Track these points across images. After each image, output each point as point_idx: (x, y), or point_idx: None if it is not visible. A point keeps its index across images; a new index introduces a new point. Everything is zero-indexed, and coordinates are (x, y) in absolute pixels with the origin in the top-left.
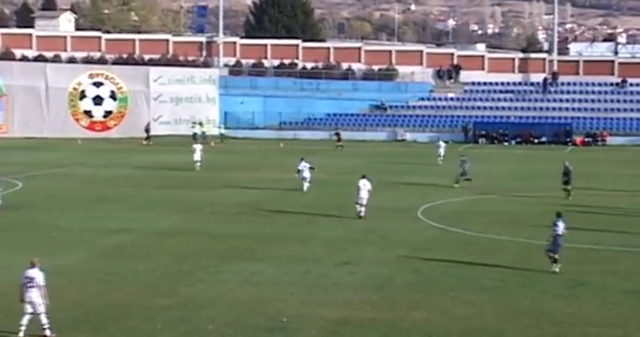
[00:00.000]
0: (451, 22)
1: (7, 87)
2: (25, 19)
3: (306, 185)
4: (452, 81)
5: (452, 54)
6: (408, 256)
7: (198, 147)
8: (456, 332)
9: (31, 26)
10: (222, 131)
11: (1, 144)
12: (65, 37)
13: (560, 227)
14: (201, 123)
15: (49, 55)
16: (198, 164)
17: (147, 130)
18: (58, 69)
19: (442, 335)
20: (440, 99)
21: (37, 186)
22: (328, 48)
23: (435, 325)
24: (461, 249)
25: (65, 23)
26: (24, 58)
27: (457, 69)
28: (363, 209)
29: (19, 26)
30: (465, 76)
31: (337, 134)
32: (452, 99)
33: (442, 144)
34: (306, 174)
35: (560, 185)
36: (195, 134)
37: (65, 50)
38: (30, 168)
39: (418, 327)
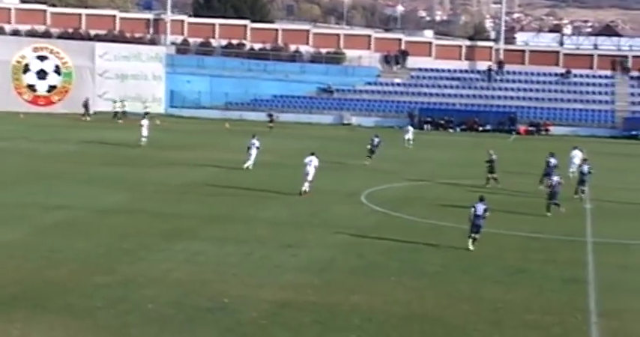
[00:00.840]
0: (400, 8)
1: None
2: None
3: (248, 162)
4: (399, 66)
5: (400, 39)
6: (351, 240)
7: (145, 122)
8: (396, 317)
9: None
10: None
11: None
12: (9, 9)
13: (479, 209)
14: (122, 101)
15: None
16: (144, 140)
17: (85, 106)
18: (1, 41)
19: (382, 320)
20: (387, 84)
21: None
22: (277, 29)
23: (375, 310)
24: (403, 234)
25: None
26: None
27: (404, 55)
28: (306, 184)
29: None
30: (412, 62)
31: (270, 115)
32: (398, 84)
33: (410, 128)
34: (253, 151)
35: (485, 173)
36: (116, 113)
37: (9, 22)
38: None
39: (358, 311)
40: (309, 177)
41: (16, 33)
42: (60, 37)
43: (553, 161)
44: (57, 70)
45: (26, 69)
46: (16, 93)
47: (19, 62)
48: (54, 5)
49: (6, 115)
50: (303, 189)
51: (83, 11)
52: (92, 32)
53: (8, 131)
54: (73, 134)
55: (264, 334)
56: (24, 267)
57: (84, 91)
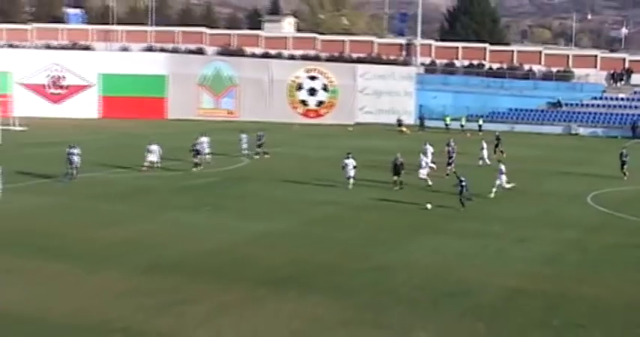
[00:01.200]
0: (624, 30)
1: (239, 79)
2: (254, 22)
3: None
4: (623, 83)
5: (624, 59)
6: (578, 236)
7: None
8: (621, 305)
9: (260, 28)
10: (463, 123)
11: (232, 126)
12: (287, 38)
13: None
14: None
15: (273, 52)
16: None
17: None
18: (280, 64)
19: (607, 307)
20: (611, 98)
21: (258, 162)
22: (512, 51)
23: (600, 299)
24: (628, 234)
25: (287, 26)
26: (253, 55)
27: (628, 72)
28: (351, 181)
29: (249, 28)
30: (636, 78)
31: (399, 120)
32: (622, 99)
33: (484, 144)
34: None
35: None
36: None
37: (286, 49)
38: (254, 147)
39: (585, 300)
40: (351, 174)
41: (292, 57)
42: (327, 60)
43: None
44: (325, 88)
45: (299, 87)
46: (291, 107)
47: (293, 81)
48: (323, 33)
49: (282, 126)
50: (349, 186)
51: (346, 38)
52: (354, 55)
53: (284, 139)
54: (338, 142)
55: (499, 316)
56: (296, 252)
57: (347, 106)
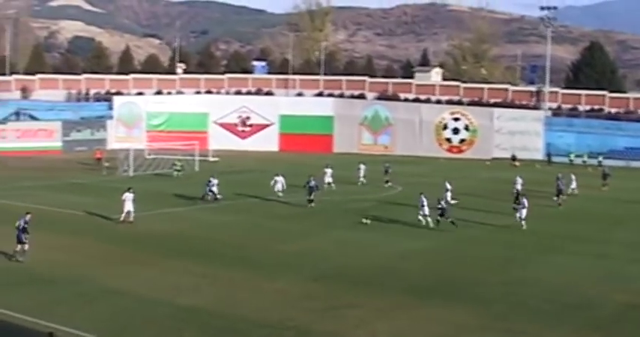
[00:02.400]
0: None
1: (394, 120)
2: (407, 72)
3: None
4: None
5: None
6: None
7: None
8: None
9: (412, 77)
10: (585, 159)
11: (388, 158)
12: (434, 85)
13: None
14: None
15: (422, 97)
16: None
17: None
18: (428, 107)
19: None
20: None
21: (408, 190)
22: (628, 98)
23: None
24: None
25: (435, 75)
26: (406, 100)
27: None
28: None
29: (403, 77)
30: None
31: (513, 155)
32: None
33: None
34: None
35: None
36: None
37: (434, 94)
38: (407, 177)
39: None
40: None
41: (438, 102)
42: (469, 104)
43: None
44: (466, 128)
45: (445, 127)
46: (437, 144)
47: (440, 122)
48: (465, 82)
49: (429, 160)
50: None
51: (485, 86)
52: (491, 100)
53: (432, 170)
54: (477, 174)
55: (616, 327)
56: (441, 266)
57: (485, 143)
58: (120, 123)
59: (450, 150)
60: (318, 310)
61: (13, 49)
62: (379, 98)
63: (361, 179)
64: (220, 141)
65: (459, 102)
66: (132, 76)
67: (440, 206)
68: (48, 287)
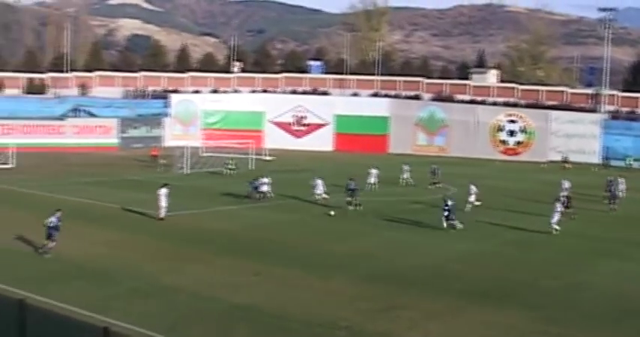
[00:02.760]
0: None
1: (449, 121)
2: (463, 73)
3: None
4: None
5: None
6: None
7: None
8: None
9: (468, 78)
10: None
11: (443, 160)
12: (491, 87)
13: None
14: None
15: (479, 99)
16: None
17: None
18: (484, 109)
19: None
20: None
21: (463, 192)
22: None
23: None
24: None
25: (491, 77)
26: (462, 101)
27: None
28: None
29: (459, 78)
30: None
31: (565, 157)
32: None
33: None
34: None
35: None
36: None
37: (490, 96)
38: (460, 178)
39: None
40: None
41: (494, 103)
42: (525, 106)
43: None
44: (522, 130)
45: (500, 129)
46: (492, 146)
47: (495, 124)
48: (521, 84)
49: (485, 162)
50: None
51: (542, 88)
52: (548, 102)
53: (487, 172)
54: (532, 176)
55: None
56: (494, 269)
57: (541, 146)
58: (176, 121)
59: (505, 152)
60: (370, 311)
61: (72, 47)
62: (435, 99)
63: (406, 180)
64: (275, 140)
65: (516, 104)
66: (188, 74)
67: (446, 207)
68: (102, 282)
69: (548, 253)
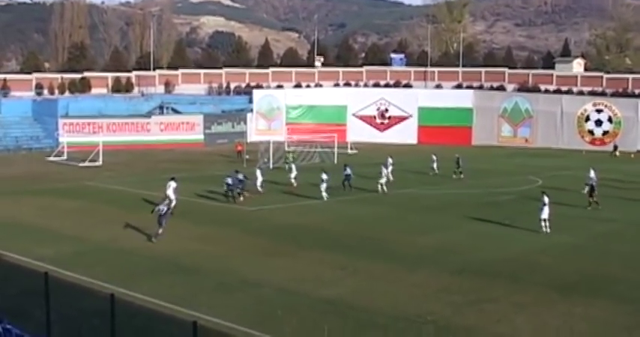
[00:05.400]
0: None
1: (534, 112)
2: (548, 63)
3: None
4: None
5: None
6: None
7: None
8: None
9: (552, 68)
10: None
11: (529, 152)
12: (576, 76)
13: None
14: None
15: (564, 89)
16: None
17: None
18: (570, 99)
19: None
20: None
21: (549, 182)
22: None
23: None
24: None
25: (577, 66)
26: (546, 91)
27: None
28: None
29: (544, 68)
30: None
31: (615, 146)
32: None
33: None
34: None
35: None
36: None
37: (576, 85)
38: (547, 170)
39: None
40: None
41: (580, 93)
42: (612, 95)
43: None
44: (610, 120)
45: (587, 118)
46: (579, 136)
47: (582, 114)
48: (608, 72)
49: (571, 153)
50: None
51: (630, 76)
52: (636, 91)
53: (573, 163)
54: (620, 167)
55: None
56: (582, 262)
57: (629, 136)
58: (259, 116)
59: (592, 142)
60: (457, 304)
61: (156, 45)
62: (519, 89)
63: (434, 170)
64: (359, 133)
65: (602, 94)
66: (271, 69)
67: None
68: (191, 277)
69: (638, 246)
